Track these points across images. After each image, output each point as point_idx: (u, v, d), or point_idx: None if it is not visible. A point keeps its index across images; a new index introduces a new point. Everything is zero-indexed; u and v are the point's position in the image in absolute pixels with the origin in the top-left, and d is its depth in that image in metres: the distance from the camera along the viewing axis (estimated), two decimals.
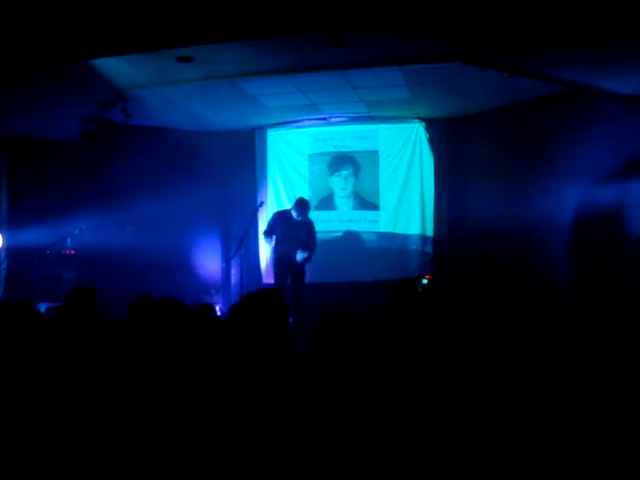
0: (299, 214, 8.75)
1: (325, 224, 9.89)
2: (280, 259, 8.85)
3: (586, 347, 3.48)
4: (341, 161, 10.19)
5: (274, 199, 10.35)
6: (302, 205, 8.80)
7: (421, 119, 9.78)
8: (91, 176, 9.24)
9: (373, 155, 10.07)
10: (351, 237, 9.94)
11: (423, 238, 9.83)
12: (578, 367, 3.09)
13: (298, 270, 8.80)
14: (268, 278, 10.24)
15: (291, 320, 7.72)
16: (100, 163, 9.27)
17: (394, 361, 3.12)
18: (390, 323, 3.54)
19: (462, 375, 3.05)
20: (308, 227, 8.87)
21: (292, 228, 8.77)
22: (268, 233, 8.91)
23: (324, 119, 9.92)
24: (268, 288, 3.96)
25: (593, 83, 7.16)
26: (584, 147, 7.65)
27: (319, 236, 9.21)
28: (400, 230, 9.95)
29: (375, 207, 10.06)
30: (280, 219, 8.93)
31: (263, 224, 10.25)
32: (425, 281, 8.76)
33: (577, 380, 2.94)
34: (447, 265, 9.25)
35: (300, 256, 8.68)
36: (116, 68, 6.71)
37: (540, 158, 8.35)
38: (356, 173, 10.13)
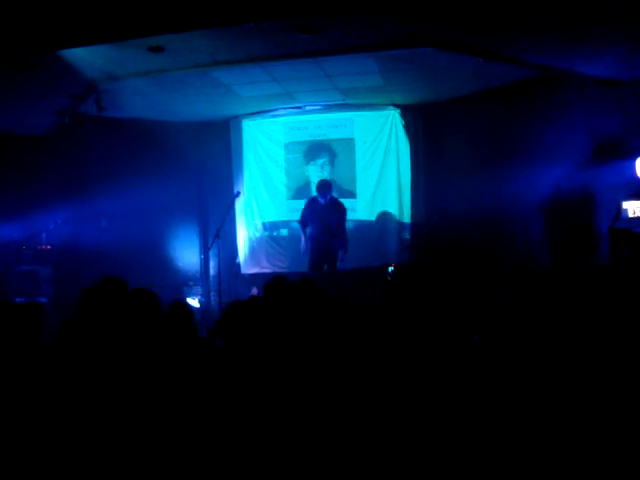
0: (321, 196, 8.89)
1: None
2: (313, 247, 8.95)
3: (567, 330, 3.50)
4: (317, 149, 10.16)
5: (251, 189, 10.32)
6: (321, 186, 8.95)
7: (396, 106, 9.77)
8: (65, 170, 9.13)
9: (349, 143, 10.05)
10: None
11: (401, 224, 9.85)
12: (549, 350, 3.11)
13: (331, 257, 8.85)
14: (247, 268, 10.22)
15: None
16: (74, 156, 9.16)
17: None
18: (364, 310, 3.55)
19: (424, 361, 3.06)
20: (337, 210, 8.93)
21: (320, 213, 8.90)
22: (302, 223, 9.10)
23: (299, 108, 9.88)
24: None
25: (567, 67, 7.19)
26: (559, 131, 7.69)
27: (295, 225, 9.27)
28: (377, 217, 9.95)
29: (352, 195, 10.05)
30: (310, 206, 9.08)
31: (240, 214, 10.26)
32: (390, 269, 8.77)
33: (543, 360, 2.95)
34: (424, 251, 9.27)
35: (340, 255, 8.81)
36: (87, 59, 6.63)
37: (515, 142, 8.39)
38: (332, 161, 10.11)
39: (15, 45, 5.80)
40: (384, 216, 9.92)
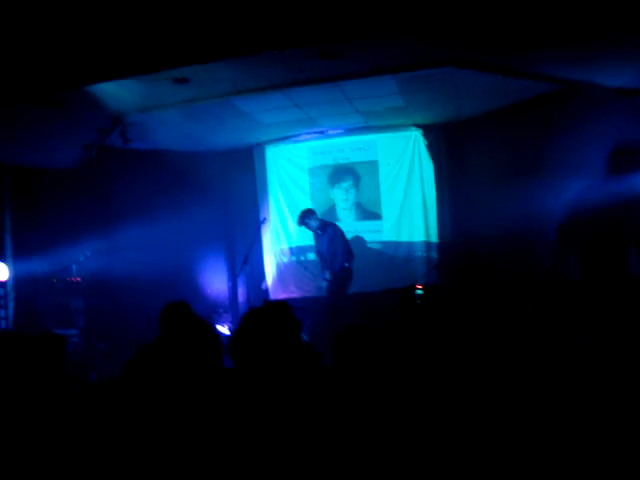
0: (308, 228, 9.13)
1: None
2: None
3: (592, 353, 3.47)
4: (341, 173, 10.21)
5: (276, 215, 10.38)
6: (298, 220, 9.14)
7: (418, 126, 9.79)
8: (94, 202, 9.25)
9: (373, 165, 10.09)
10: (356, 248, 9.89)
11: (427, 244, 9.82)
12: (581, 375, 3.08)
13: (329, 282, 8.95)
14: (275, 294, 10.24)
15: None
16: (102, 188, 9.30)
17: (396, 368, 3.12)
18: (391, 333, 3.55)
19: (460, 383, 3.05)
20: (326, 234, 8.97)
21: (315, 243, 9.15)
22: None
23: (321, 132, 9.95)
24: (276, 302, 3.94)
25: (587, 79, 7.18)
26: (581, 143, 7.64)
27: None
28: (404, 238, 9.93)
29: (378, 217, 10.07)
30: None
31: (266, 239, 10.31)
32: (419, 291, 8.70)
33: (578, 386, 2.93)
34: (452, 270, 9.23)
35: (327, 275, 8.90)
36: (113, 93, 6.75)
37: (539, 156, 8.33)
38: (357, 184, 10.15)
39: (45, 82, 5.94)
40: (410, 236, 9.91)
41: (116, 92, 6.72)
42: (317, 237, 9.08)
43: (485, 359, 3.51)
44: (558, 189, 7.91)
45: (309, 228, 9.10)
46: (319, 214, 9.92)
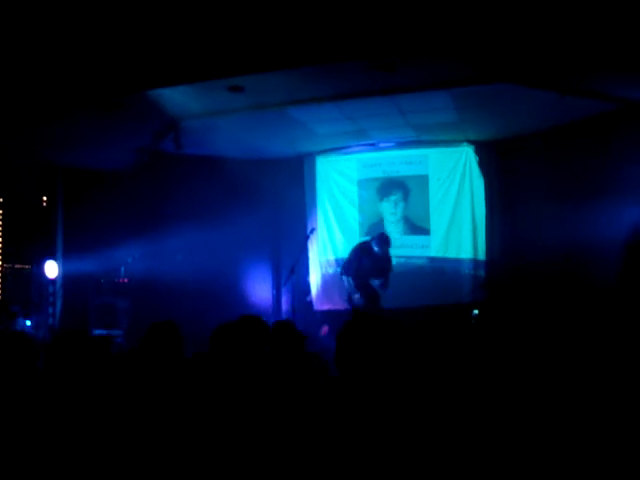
0: (380, 249, 8.90)
1: None
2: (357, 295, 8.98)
3: None
4: (390, 186, 10.14)
5: (324, 225, 10.34)
6: (385, 241, 8.97)
7: (470, 142, 9.68)
8: (144, 205, 9.36)
9: (422, 179, 10.00)
10: (402, 262, 9.82)
11: (475, 262, 9.68)
12: None
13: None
14: (319, 305, 10.20)
15: None
16: (152, 192, 9.39)
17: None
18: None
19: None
20: (386, 259, 8.99)
21: (374, 262, 8.92)
22: (347, 271, 9.09)
23: (372, 145, 9.91)
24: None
25: None
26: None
27: None
28: (452, 254, 9.81)
29: (426, 232, 9.97)
30: (360, 252, 9.04)
31: (313, 251, 10.27)
32: (476, 311, 8.55)
33: None
34: (499, 289, 9.08)
35: (375, 282, 8.84)
36: (169, 99, 6.83)
37: (594, 176, 8.16)
38: (406, 198, 10.06)
39: (103, 86, 6.03)
40: (458, 253, 9.78)
41: (173, 97, 6.80)
42: (375, 254, 8.98)
43: (550, 379, 3.43)
44: (614, 209, 7.70)
45: (383, 249, 9.01)
46: (367, 227, 9.87)
